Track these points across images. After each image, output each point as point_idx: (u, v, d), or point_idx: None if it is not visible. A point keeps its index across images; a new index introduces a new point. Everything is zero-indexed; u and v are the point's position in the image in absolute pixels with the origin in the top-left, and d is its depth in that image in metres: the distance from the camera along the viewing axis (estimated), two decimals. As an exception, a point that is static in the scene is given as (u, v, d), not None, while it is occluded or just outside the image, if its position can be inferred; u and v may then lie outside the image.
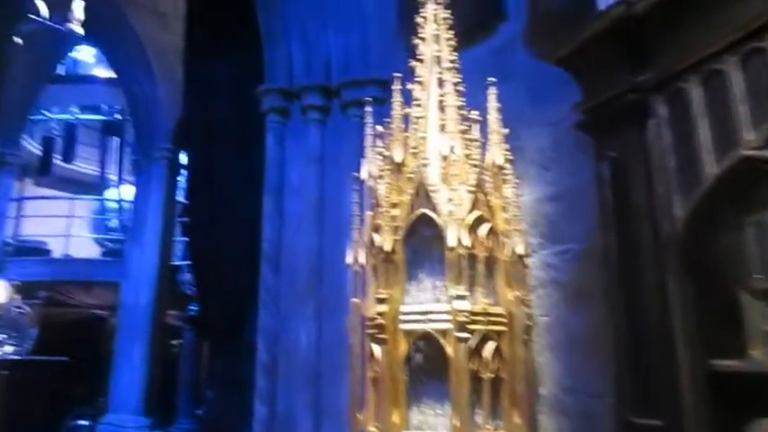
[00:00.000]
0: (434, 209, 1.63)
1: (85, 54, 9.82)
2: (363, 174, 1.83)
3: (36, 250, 8.24)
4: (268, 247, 2.91)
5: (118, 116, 9.58)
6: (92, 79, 8.21)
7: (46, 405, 4.47)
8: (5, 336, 4.66)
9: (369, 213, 1.79)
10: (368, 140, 1.84)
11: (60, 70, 8.36)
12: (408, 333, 1.63)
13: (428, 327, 1.60)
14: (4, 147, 7.46)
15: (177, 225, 7.67)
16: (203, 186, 3.50)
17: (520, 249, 1.71)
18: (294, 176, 2.93)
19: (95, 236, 9.73)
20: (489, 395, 1.58)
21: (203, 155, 3.51)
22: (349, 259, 1.83)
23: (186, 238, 7.07)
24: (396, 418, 1.56)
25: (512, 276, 1.68)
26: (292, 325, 2.81)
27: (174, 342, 7.32)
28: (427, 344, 1.61)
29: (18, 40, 5.41)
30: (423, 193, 1.65)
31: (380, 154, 1.79)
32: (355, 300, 1.80)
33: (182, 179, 7.69)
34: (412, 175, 1.69)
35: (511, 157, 1.77)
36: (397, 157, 1.71)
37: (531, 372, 1.73)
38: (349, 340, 1.79)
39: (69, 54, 8.70)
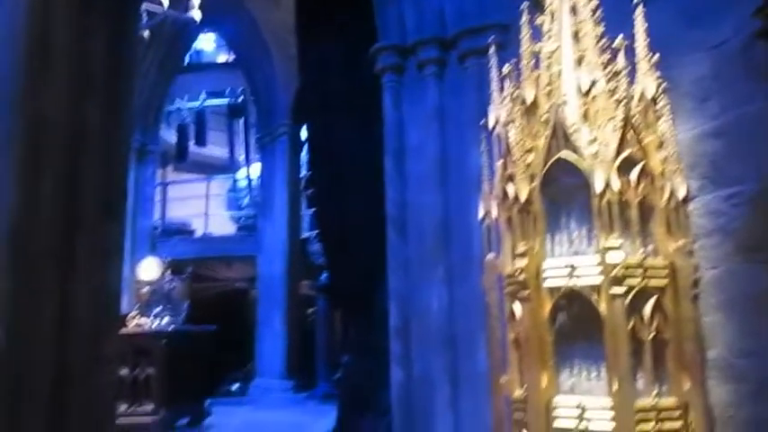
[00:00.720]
0: (575, 151, 1.46)
1: (207, 43, 10.41)
2: (490, 121, 1.69)
3: (181, 230, 9.01)
4: (393, 211, 2.86)
5: (241, 98, 10.09)
6: (215, 66, 8.67)
7: (202, 370, 4.87)
8: (161, 308, 5.12)
9: (499, 163, 1.65)
10: (493, 84, 1.69)
11: (186, 60, 8.89)
12: (552, 290, 1.49)
13: (575, 282, 1.45)
14: (144, 138, 8.13)
15: (303, 198, 7.99)
16: (323, 157, 3.53)
17: (681, 192, 1.49)
18: (414, 136, 2.84)
19: (230, 213, 10.42)
20: (651, 358, 1.41)
21: (321, 126, 3.53)
22: (480, 214, 1.71)
23: (312, 210, 7.33)
24: (544, 381, 1.45)
25: (672, 224, 1.47)
26: (422, 288, 2.76)
27: (310, 311, 7.69)
28: (574, 301, 1.46)
29: (145, 34, 5.78)
30: (561, 135, 1.48)
31: (508, 97, 1.64)
32: (490, 257, 1.68)
33: (304, 153, 7.96)
34: (547, 116, 1.52)
35: (665, 87, 1.53)
36: (529, 98, 1.55)
37: (699, 332, 1.52)
38: (486, 300, 1.68)
39: (193, 44, 9.23)
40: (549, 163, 1.50)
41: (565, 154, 1.48)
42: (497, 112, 1.67)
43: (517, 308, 1.53)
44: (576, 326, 1.46)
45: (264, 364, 7.12)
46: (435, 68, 2.76)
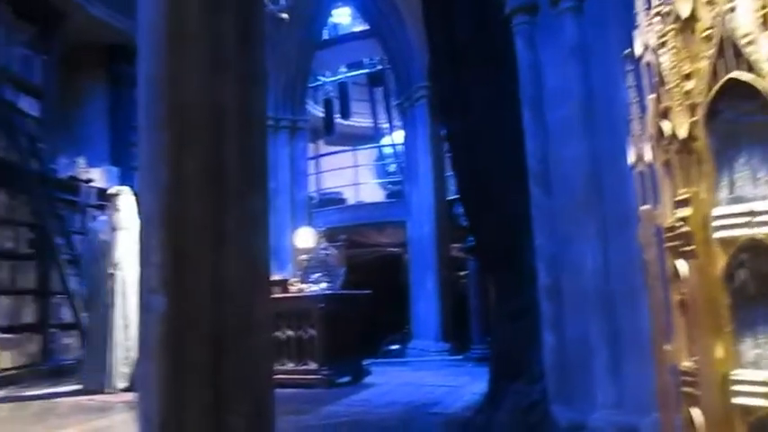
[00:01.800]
0: (752, 68, 1.17)
1: (343, 17, 10.57)
2: (637, 48, 1.43)
3: (334, 200, 9.41)
4: (534, 165, 2.65)
5: (378, 67, 10.15)
6: (352, 37, 8.76)
7: (360, 332, 5.04)
8: (319, 274, 5.38)
9: (651, 97, 1.39)
10: (638, 3, 1.42)
11: (325, 36, 9.11)
12: (726, 242, 1.22)
13: (758, 232, 1.18)
14: (294, 114, 8.55)
15: (447, 160, 7.88)
16: (458, 114, 3.37)
17: None
18: (552, 80, 2.58)
19: (379, 181, 10.65)
20: None
21: (453, 83, 3.37)
22: (631, 159, 1.47)
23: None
24: (719, 351, 1.21)
25: None
26: (572, 245, 2.53)
27: (462, 273, 7.63)
28: (759, 256, 1.19)
29: (284, 15, 6.00)
30: (730, 51, 1.19)
31: (658, 16, 1.37)
32: (645, 207, 1.45)
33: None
34: (710, 31, 1.24)
35: None
36: (684, 11, 1.27)
37: None
38: (643, 257, 1.46)
39: (329, 20, 9.43)
40: (716, 88, 1.23)
41: (737, 74, 1.19)
42: (645, 36, 1.41)
43: (681, 265, 1.29)
44: (762, 285, 1.19)
45: (420, 327, 7.23)
46: (573, 1, 2.45)
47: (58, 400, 4.34)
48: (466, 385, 4.45)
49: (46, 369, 5.78)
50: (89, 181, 6.87)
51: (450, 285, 7.28)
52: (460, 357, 6.36)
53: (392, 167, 10.82)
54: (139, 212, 2.36)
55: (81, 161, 6.99)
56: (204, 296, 1.93)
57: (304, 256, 5.75)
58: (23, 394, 4.67)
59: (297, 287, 5.12)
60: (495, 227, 3.03)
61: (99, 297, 4.75)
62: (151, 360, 1.87)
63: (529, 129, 2.66)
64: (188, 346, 1.85)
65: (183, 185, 1.95)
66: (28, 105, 6.39)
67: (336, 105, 10.67)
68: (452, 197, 7.59)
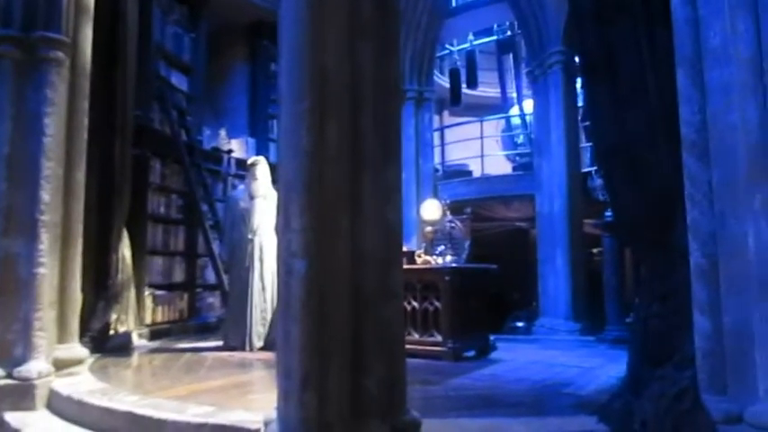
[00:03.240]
0: None
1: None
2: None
3: (459, 172, 9.34)
4: (689, 132, 2.42)
5: (508, 33, 9.81)
6: (482, 2, 8.52)
7: (486, 307, 5.02)
8: (444, 247, 5.40)
9: None
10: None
11: (453, 3, 8.95)
12: None
13: None
14: (420, 86, 8.55)
15: (581, 131, 7.48)
16: (603, 79, 3.16)
17: None
18: (714, 36, 2.32)
19: (506, 153, 10.40)
20: None
21: (598, 44, 3.15)
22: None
23: (590, 141, 6.81)
24: None
25: None
26: (732, 222, 2.30)
27: (595, 251, 7.29)
28: None
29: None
30: None
31: None
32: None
33: (579, 82, 7.40)
34: None
35: None
36: None
37: None
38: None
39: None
40: None
41: None
42: None
43: None
44: None
45: (548, 304, 7.04)
46: (745, -57, 2.18)
47: (203, 354, 4.78)
48: (599, 367, 4.26)
49: (192, 325, 6.42)
50: (230, 151, 7.41)
51: (582, 263, 6.98)
52: (592, 338, 6.10)
53: (520, 139, 10.50)
54: (276, 180, 2.50)
55: (223, 133, 7.56)
56: (342, 261, 2.02)
57: (429, 229, 5.80)
58: (174, 347, 5.22)
59: (423, 259, 5.18)
60: (642, 201, 2.83)
61: (239, 261, 5.13)
62: (293, 320, 2.00)
63: (684, 93, 2.43)
64: (328, 308, 1.95)
65: (323, 151, 2.03)
66: (178, 81, 6.98)
67: (463, 75, 10.50)
68: (587, 169, 7.22)
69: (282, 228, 2.10)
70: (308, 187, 2.03)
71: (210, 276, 6.73)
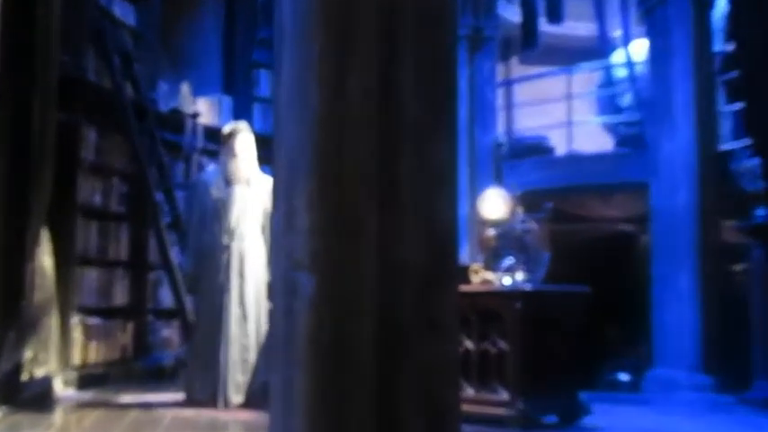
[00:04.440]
0: None
1: None
2: None
3: (534, 149, 9.28)
4: None
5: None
6: None
7: (570, 348, 4.97)
8: (514, 260, 5.37)
9: None
10: None
11: None
12: None
13: None
14: (478, 21, 8.53)
15: (720, 88, 7.38)
16: (759, 15, 3.11)
17: None
18: None
19: (604, 120, 10.30)
20: None
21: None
22: None
23: (738, 105, 6.71)
24: None
25: None
26: None
27: (738, 267, 7.17)
28: None
29: None
30: None
31: None
32: None
33: (719, 16, 7.30)
34: None
35: None
36: None
37: None
38: None
39: None
40: None
41: None
42: None
43: None
44: None
45: (666, 347, 6.96)
46: None
47: (157, 411, 4.83)
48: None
49: (141, 368, 6.51)
50: (195, 115, 7.49)
51: (718, 285, 6.88)
52: (732, 398, 6.04)
53: (626, 99, 10.37)
54: (269, 158, 2.51)
55: (185, 89, 7.64)
56: (368, 278, 2.01)
57: (491, 233, 5.77)
58: (115, 400, 5.29)
59: (481, 276, 5.16)
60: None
61: (209, 276, 5.18)
62: (295, 364, 2.00)
63: None
64: (347, 347, 1.95)
65: (344, 115, 2.03)
66: (122, 13, 7.06)
67: (541, 5, 10.41)
68: (730, 146, 7.10)
69: (281, 228, 2.10)
70: (320, 168, 2.03)
71: (167, 298, 6.83)
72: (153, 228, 6.64)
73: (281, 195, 2.13)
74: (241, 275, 5.11)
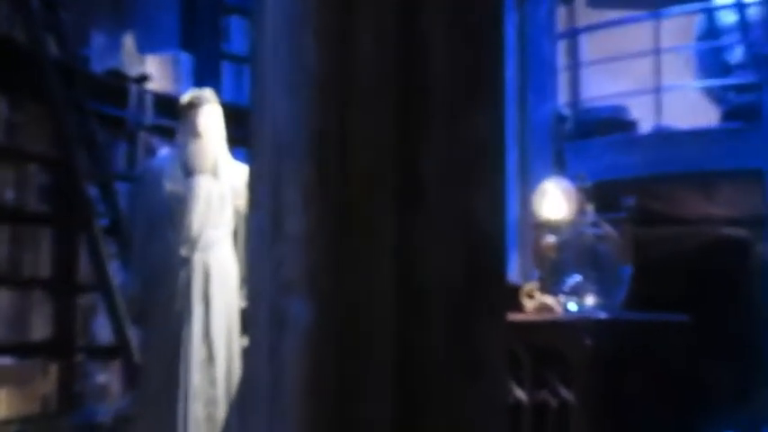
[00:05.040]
0: None
1: None
2: None
3: (609, 124, 9.26)
4: None
5: None
6: None
7: (661, 398, 4.97)
8: (582, 278, 5.37)
9: None
10: None
11: None
12: None
13: None
14: (531, -55, 8.54)
15: None
16: None
17: None
18: None
19: (705, 84, 10.26)
20: None
21: None
22: None
23: None
24: None
25: None
26: None
27: None
28: None
29: None
30: None
31: None
32: None
33: None
34: None
35: None
36: None
37: None
38: None
39: None
40: None
41: None
42: None
43: None
44: None
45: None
46: None
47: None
48: None
49: (68, 427, 6.52)
50: (143, 79, 7.51)
51: None
52: None
53: (736, 55, 10.34)
54: (245, 139, 2.51)
55: (129, 43, 7.66)
56: (385, 303, 2.02)
57: (551, 240, 5.77)
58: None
59: (537, 301, 5.16)
60: None
61: (162, 301, 5.18)
62: (281, 425, 2.00)
63: None
64: (357, 400, 1.95)
65: (351, 80, 2.04)
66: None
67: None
68: None
69: (264, 235, 2.11)
70: (318, 152, 2.04)
71: (105, 331, 6.83)
72: (85, 234, 6.65)
73: (263, 190, 2.13)
74: (206, 300, 5.11)
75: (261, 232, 2.11)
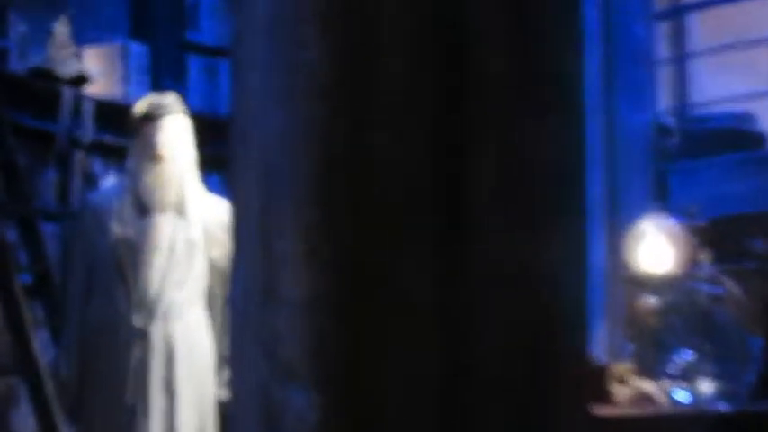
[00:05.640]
0: None
1: None
2: None
3: (730, 137, 9.26)
4: None
5: None
6: None
7: None
8: (694, 353, 5.37)
9: None
10: None
11: None
12: None
13: None
14: None
15: None
16: None
17: None
18: None
19: None
20: None
21: None
22: None
23: None
24: None
25: None
26: None
27: None
28: None
29: None
30: None
31: None
32: None
33: None
34: None
35: None
36: None
37: None
38: None
39: None
40: None
41: None
42: None
43: None
44: None
45: None
46: None
47: None
48: None
49: None
50: (80, 81, 7.57)
51: None
52: None
53: None
54: (227, 161, 2.50)
55: (61, 30, 7.72)
56: (417, 393, 2.03)
57: (650, 301, 5.77)
58: None
59: (632, 387, 5.15)
60: None
61: (107, 388, 5.20)
62: None
63: None
64: None
65: (369, 79, 2.06)
66: None
67: None
68: None
69: (253, 296, 2.13)
70: (326, 180, 2.06)
71: (28, 428, 6.84)
72: (0, 294, 6.69)
73: (249, 235, 2.15)
74: (169, 389, 5.12)
75: (247, 294, 2.12)
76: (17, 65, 7.39)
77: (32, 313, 6.63)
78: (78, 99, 7.46)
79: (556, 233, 2.20)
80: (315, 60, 2.03)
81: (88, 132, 7.43)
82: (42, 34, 7.61)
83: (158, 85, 6.86)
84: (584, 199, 2.28)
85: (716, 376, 5.25)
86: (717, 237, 6.29)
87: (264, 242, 2.08)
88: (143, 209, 5.26)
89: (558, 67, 2.26)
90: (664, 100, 9.44)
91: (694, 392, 5.14)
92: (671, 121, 9.39)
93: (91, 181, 7.15)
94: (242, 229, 2.16)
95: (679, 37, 10.13)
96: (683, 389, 5.19)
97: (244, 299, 2.12)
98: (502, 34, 2.11)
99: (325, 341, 1.98)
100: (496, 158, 2.07)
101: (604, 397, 5.05)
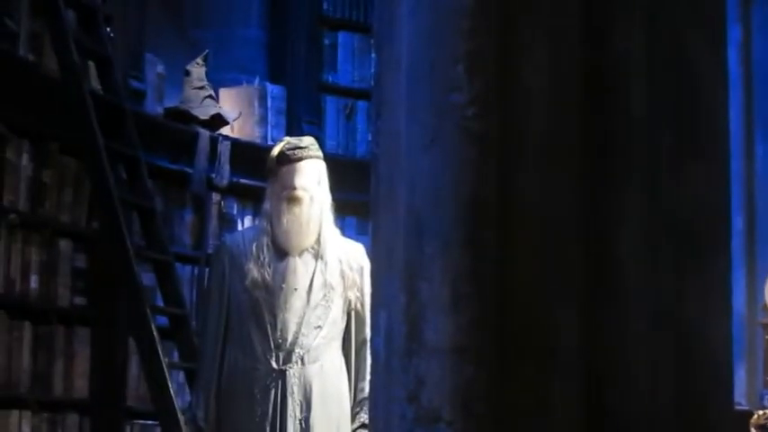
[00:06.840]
0: None
1: None
2: None
3: None
4: None
5: None
6: None
7: None
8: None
9: None
10: None
11: None
12: None
13: None
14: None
15: None
16: None
17: None
18: None
19: None
20: None
21: None
22: None
23: None
24: None
25: None
26: None
27: None
28: None
29: None
30: None
31: None
32: None
33: None
34: None
35: None
36: None
37: None
38: None
39: None
40: None
41: None
42: None
43: None
44: None
45: None
46: None
47: None
48: None
49: None
50: (216, 123, 7.65)
51: None
52: None
53: None
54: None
55: (197, 70, 7.82)
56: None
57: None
58: None
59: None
60: None
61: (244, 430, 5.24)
62: None
63: None
64: None
65: (517, 130, 2.06)
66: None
67: None
68: None
69: (396, 342, 2.14)
70: (475, 230, 2.06)
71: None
72: (135, 337, 6.75)
73: (392, 281, 2.15)
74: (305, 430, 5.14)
75: (389, 340, 2.12)
76: (154, 107, 7.46)
77: (168, 356, 6.66)
78: (215, 141, 7.50)
79: (704, 276, 2.17)
80: (464, 103, 2.04)
81: (224, 174, 7.47)
82: (179, 76, 7.69)
83: (295, 127, 6.89)
84: (729, 242, 2.26)
85: None
86: None
87: (409, 288, 2.07)
88: (280, 251, 5.29)
89: (707, 110, 2.24)
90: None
91: None
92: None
93: (227, 223, 7.19)
94: (383, 273, 2.16)
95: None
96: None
97: (386, 345, 2.12)
98: (654, 77, 2.10)
99: (472, 389, 1.98)
100: (650, 202, 2.05)
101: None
